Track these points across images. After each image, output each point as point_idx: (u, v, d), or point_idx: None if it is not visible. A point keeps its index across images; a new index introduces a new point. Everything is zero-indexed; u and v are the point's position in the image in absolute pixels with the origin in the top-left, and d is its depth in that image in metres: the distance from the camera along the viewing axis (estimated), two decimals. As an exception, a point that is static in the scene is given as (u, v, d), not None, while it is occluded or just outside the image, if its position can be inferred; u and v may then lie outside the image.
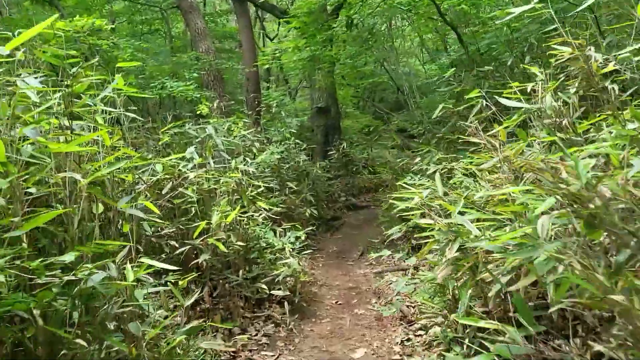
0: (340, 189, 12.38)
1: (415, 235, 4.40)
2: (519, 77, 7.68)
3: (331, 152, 13.17)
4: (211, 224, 5.24)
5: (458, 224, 3.50)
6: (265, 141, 9.92)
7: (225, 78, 14.07)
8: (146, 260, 3.01)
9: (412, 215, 6.26)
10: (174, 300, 4.46)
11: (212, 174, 6.01)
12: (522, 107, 4.24)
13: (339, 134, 14.28)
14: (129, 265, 2.99)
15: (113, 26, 12.49)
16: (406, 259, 7.01)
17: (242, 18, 13.57)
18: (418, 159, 6.46)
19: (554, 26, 4.84)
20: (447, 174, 6.05)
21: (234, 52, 18.41)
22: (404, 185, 4.66)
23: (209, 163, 5.94)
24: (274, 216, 6.51)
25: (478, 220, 3.83)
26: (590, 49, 3.68)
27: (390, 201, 4.68)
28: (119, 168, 3.61)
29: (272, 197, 8.04)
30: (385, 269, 6.97)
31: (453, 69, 6.40)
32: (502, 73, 7.98)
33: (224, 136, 7.90)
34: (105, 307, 2.76)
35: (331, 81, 12.56)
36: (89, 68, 3.60)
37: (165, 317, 3.51)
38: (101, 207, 3.04)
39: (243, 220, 5.74)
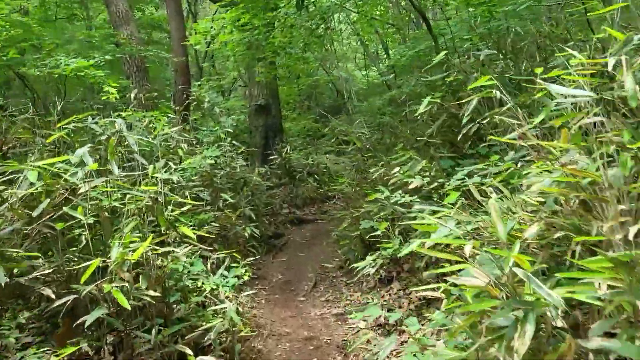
0: (282, 200, 10.74)
1: (417, 293, 2.86)
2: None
3: (272, 157, 11.51)
4: (109, 261, 3.55)
5: (534, 290, 1.99)
6: (195, 142, 8.16)
7: (151, 71, 12.23)
8: None
9: (387, 243, 4.77)
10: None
11: (117, 186, 4.28)
12: (586, 96, 2.82)
13: (280, 135, 12.61)
14: None
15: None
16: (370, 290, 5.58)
17: (171, 3, 11.74)
18: (397, 168, 4.94)
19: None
20: (437, 190, 4.57)
21: (162, 43, 16.50)
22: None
23: (111, 171, 4.17)
24: (205, 248, 4.83)
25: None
26: None
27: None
28: None
29: (202, 212, 6.33)
30: (347, 309, 5.41)
31: (445, 51, 4.96)
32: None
33: (142, 134, 6.15)
34: None
35: (273, 75, 10.87)
36: None
37: None
38: None
39: (158, 252, 4.03)
